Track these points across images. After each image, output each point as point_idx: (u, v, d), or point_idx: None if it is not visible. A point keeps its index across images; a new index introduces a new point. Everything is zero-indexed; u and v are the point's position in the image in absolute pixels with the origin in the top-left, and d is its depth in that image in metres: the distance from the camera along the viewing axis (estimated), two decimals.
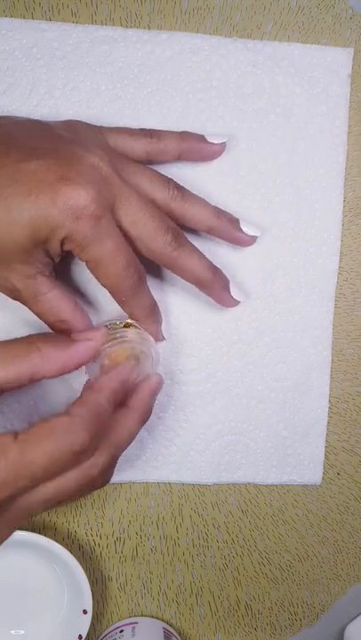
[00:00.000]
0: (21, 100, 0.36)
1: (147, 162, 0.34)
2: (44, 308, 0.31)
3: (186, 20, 0.37)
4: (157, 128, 0.36)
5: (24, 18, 0.36)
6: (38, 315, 0.32)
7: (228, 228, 0.35)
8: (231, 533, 0.41)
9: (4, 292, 0.31)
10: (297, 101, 0.37)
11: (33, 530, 0.39)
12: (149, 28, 0.37)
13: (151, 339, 0.34)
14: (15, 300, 0.31)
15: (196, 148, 0.35)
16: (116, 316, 0.35)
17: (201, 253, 0.34)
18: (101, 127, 0.34)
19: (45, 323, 0.32)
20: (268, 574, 0.41)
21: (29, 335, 0.30)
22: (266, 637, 0.42)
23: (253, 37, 0.37)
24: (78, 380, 0.37)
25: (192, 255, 0.33)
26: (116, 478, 0.39)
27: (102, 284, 0.31)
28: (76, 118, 0.36)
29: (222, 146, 0.36)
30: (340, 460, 0.41)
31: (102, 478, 0.31)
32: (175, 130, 0.36)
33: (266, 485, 0.40)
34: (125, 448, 0.32)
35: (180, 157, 0.35)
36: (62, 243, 0.30)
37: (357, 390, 0.40)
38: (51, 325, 0.32)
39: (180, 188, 0.34)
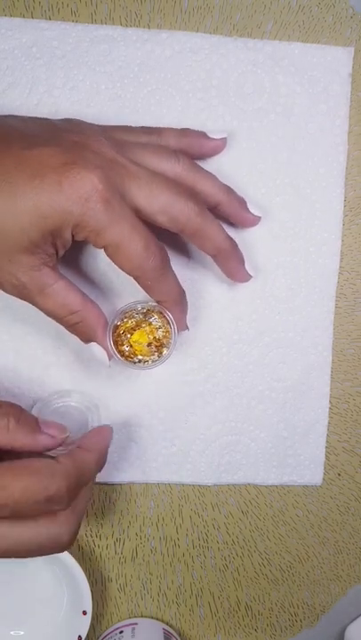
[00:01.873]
0: (21, 99, 0.36)
1: None
2: (53, 300, 0.30)
3: (186, 20, 0.37)
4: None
5: (24, 17, 0.36)
6: (48, 311, 0.31)
7: (236, 206, 0.34)
8: (231, 534, 0.41)
9: (8, 291, 0.30)
10: (297, 100, 0.37)
11: None
12: (149, 28, 0.36)
13: (173, 325, 0.33)
14: (21, 297, 0.30)
15: (196, 143, 0.35)
16: (138, 300, 0.34)
17: (219, 222, 0.33)
18: (100, 125, 0.34)
19: (56, 319, 0.31)
20: (269, 575, 0.41)
21: (9, 406, 0.30)
22: (266, 638, 0.42)
23: (254, 36, 0.37)
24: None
25: (213, 222, 0.32)
26: (116, 479, 0.39)
27: (125, 270, 0.30)
28: (76, 117, 0.36)
29: (223, 141, 0.36)
30: (340, 461, 0.41)
31: (60, 546, 0.30)
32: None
33: (266, 486, 0.40)
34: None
35: None
36: (74, 232, 0.29)
37: (358, 390, 0.40)
38: (62, 321, 0.31)
39: (190, 160, 0.33)
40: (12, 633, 0.39)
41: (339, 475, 0.41)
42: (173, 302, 0.33)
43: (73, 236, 0.29)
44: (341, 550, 0.41)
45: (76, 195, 0.28)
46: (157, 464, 0.39)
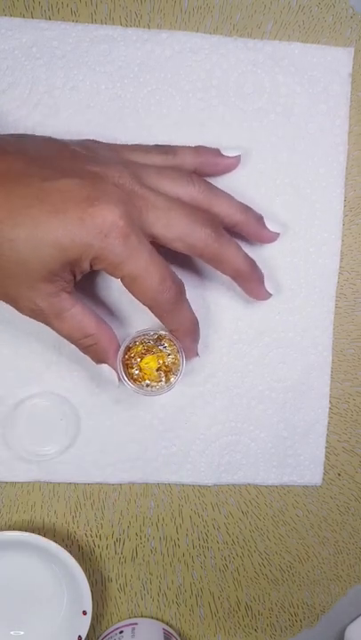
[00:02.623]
0: (21, 99, 0.36)
1: None
2: (69, 324, 0.31)
3: (186, 19, 0.37)
4: (157, 127, 0.36)
5: (24, 17, 0.36)
6: (63, 334, 0.31)
7: (253, 224, 0.35)
8: (231, 534, 0.41)
9: (26, 313, 0.31)
10: (297, 101, 0.37)
11: (32, 531, 0.38)
12: (149, 27, 0.36)
13: (182, 353, 0.34)
14: (38, 320, 0.31)
15: (212, 162, 0.35)
16: (150, 326, 0.35)
17: (238, 244, 0.33)
18: (114, 145, 0.34)
19: (71, 341, 0.32)
20: (269, 575, 0.41)
21: None
22: (266, 638, 0.42)
23: (254, 36, 0.37)
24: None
25: (231, 246, 0.32)
26: (116, 479, 0.39)
27: (140, 301, 0.31)
28: (76, 117, 0.36)
29: (238, 159, 0.36)
30: (340, 461, 0.41)
31: None
32: (175, 129, 0.36)
33: (266, 486, 0.40)
34: None
35: (195, 172, 0.35)
36: (92, 263, 0.30)
37: (358, 390, 0.40)
38: (77, 343, 0.32)
39: (205, 182, 0.33)
40: (12, 633, 0.39)
41: (339, 475, 0.41)
42: (185, 332, 0.33)
43: (91, 265, 0.30)
44: (341, 550, 0.41)
45: (97, 230, 0.28)
46: (157, 464, 0.39)
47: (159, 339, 0.34)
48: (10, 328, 0.37)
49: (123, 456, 0.38)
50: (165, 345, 0.34)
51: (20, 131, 0.36)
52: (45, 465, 0.38)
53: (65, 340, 0.37)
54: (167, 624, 0.41)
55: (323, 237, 0.38)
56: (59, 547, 0.37)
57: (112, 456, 0.38)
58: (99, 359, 0.33)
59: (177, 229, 0.31)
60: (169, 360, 0.34)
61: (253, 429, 0.39)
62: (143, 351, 0.34)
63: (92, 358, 0.33)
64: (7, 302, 0.31)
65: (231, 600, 0.41)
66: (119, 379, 0.34)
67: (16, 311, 0.36)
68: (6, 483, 0.39)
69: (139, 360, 0.34)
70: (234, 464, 0.39)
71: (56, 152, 0.31)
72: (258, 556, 0.41)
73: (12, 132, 0.36)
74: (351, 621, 0.42)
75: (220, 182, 0.37)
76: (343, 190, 0.38)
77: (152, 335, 0.34)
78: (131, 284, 0.30)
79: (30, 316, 0.31)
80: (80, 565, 0.37)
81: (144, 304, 0.31)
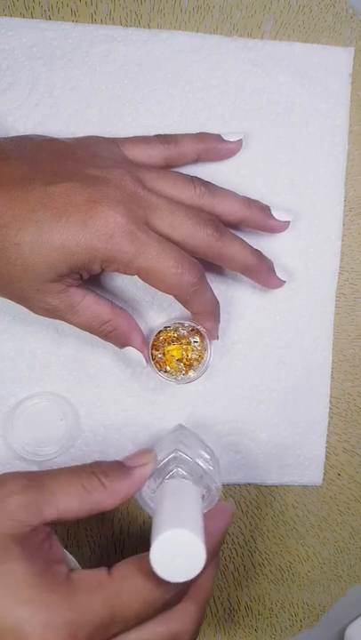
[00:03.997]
0: (21, 99, 0.36)
1: (165, 167, 0.34)
2: (85, 316, 0.31)
3: (186, 19, 0.37)
4: (157, 127, 0.36)
5: (24, 17, 0.36)
6: (81, 325, 0.32)
7: (260, 217, 0.35)
8: (231, 534, 0.41)
9: (40, 314, 0.31)
10: (297, 101, 0.37)
11: None
12: (149, 28, 0.37)
13: (210, 348, 0.35)
14: (53, 317, 0.32)
15: (214, 148, 0.35)
16: (185, 317, 0.36)
17: (241, 239, 0.33)
18: (116, 139, 0.34)
19: (90, 332, 0.32)
20: (269, 575, 0.41)
21: (91, 465, 0.29)
22: (266, 638, 0.42)
23: (254, 36, 0.37)
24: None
25: (234, 242, 0.33)
26: None
27: (161, 291, 0.31)
28: (76, 117, 0.36)
29: (239, 143, 0.36)
30: (340, 461, 0.41)
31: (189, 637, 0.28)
32: (175, 129, 0.37)
33: (266, 486, 0.40)
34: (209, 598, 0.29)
35: (198, 159, 0.35)
36: (103, 266, 0.30)
37: (358, 390, 0.40)
38: (97, 332, 0.32)
39: (205, 184, 0.33)
40: None
41: (339, 475, 0.41)
42: (209, 314, 0.33)
43: (103, 268, 0.30)
44: (341, 550, 0.41)
45: (100, 232, 0.29)
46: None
47: (193, 332, 0.35)
48: (10, 328, 0.37)
49: (123, 456, 0.38)
50: (197, 340, 0.35)
51: (21, 131, 0.36)
52: (45, 465, 0.38)
53: (65, 340, 0.37)
54: None
55: (323, 237, 0.38)
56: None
57: (112, 456, 0.38)
58: (122, 343, 0.33)
59: (180, 232, 0.31)
60: (193, 355, 0.34)
61: (254, 430, 0.39)
62: (173, 338, 0.34)
63: (116, 344, 0.33)
64: (20, 304, 0.31)
65: (231, 600, 0.41)
66: (147, 360, 0.34)
67: (16, 311, 0.37)
68: None
69: (166, 345, 0.34)
70: (234, 464, 0.39)
71: (57, 155, 0.31)
72: (258, 555, 0.41)
73: (13, 132, 0.36)
74: (351, 621, 0.42)
75: (220, 182, 0.37)
76: (343, 190, 0.38)
77: (187, 326, 0.35)
78: (147, 277, 0.30)
79: (44, 315, 0.31)
80: (80, 565, 0.37)
81: (168, 293, 0.31)
